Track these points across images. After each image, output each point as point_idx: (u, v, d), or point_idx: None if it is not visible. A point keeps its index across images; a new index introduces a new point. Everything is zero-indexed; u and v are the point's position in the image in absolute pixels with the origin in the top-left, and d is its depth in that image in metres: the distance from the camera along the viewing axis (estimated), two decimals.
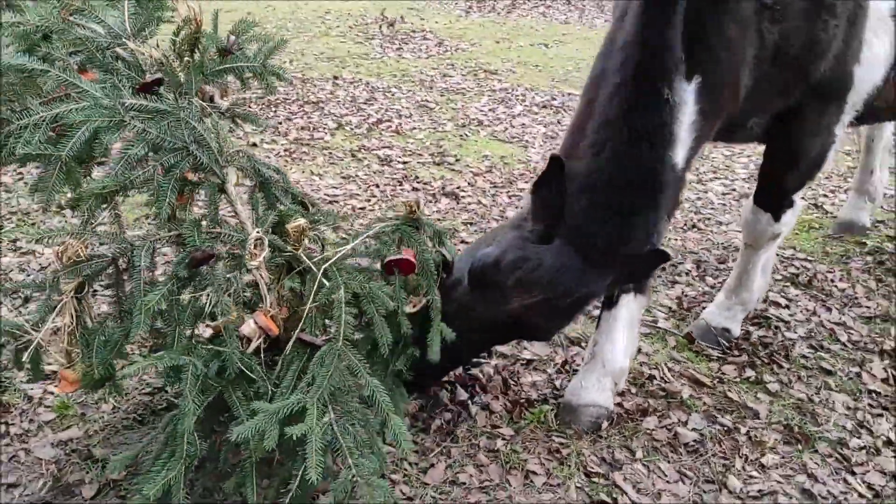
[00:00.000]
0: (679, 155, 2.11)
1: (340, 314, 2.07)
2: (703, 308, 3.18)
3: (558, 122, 5.59)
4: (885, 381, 2.88)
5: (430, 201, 4.24)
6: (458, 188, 4.41)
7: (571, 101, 6.03)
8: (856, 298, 3.40)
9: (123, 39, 2.23)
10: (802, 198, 2.99)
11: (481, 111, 5.76)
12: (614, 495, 2.31)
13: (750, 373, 2.89)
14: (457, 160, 4.82)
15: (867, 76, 2.47)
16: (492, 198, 4.33)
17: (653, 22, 1.98)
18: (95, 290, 2.59)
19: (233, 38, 2.40)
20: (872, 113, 2.78)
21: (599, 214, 2.06)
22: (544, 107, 5.92)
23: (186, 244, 2.08)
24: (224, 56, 2.39)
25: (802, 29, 2.25)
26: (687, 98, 2.07)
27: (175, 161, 2.10)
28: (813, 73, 2.39)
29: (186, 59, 2.28)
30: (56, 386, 2.12)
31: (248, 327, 2.14)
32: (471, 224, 3.99)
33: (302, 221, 2.22)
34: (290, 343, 2.07)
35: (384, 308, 2.16)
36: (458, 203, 4.24)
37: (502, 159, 4.88)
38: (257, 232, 2.18)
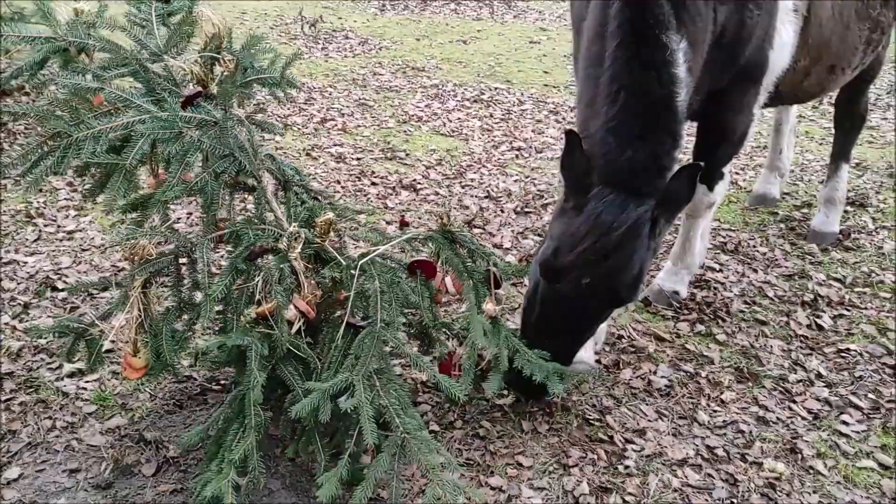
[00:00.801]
0: (683, 95, 2.36)
1: (377, 301, 2.33)
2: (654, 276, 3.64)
3: (490, 116, 5.98)
4: (808, 327, 3.42)
5: (391, 194, 4.54)
6: (414, 181, 4.73)
7: (499, 94, 6.44)
8: (776, 260, 3.95)
9: (160, 55, 2.43)
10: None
11: (418, 107, 6.07)
12: (609, 434, 2.72)
13: (700, 327, 3.37)
14: (407, 155, 5.13)
15: (779, 60, 2.91)
16: (447, 188, 4.67)
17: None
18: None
19: (251, 51, 2.64)
20: (778, 96, 3.23)
21: (625, 146, 2.28)
22: (475, 101, 6.29)
23: (241, 240, 2.33)
24: (239, 68, 2.63)
25: (736, 15, 2.64)
26: (680, 49, 2.33)
27: (224, 167, 2.34)
28: (741, 56, 2.78)
29: (217, 71, 2.50)
30: (122, 373, 2.30)
31: (290, 312, 2.40)
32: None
33: (331, 215, 2.49)
34: (342, 325, 2.33)
35: (406, 301, 2.44)
36: (417, 195, 4.56)
37: (448, 152, 5.22)
38: (294, 227, 2.44)
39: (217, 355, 2.47)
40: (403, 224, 2.85)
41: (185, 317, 2.40)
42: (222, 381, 2.84)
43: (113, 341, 2.29)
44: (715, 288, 3.69)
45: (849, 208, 4.37)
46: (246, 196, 3.11)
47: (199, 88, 2.42)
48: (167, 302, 2.46)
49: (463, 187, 4.71)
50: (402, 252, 2.65)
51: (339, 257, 2.49)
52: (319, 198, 2.76)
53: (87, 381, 2.80)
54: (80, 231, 3.88)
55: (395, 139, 5.39)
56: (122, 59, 2.39)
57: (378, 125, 5.65)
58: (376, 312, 2.33)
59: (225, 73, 2.50)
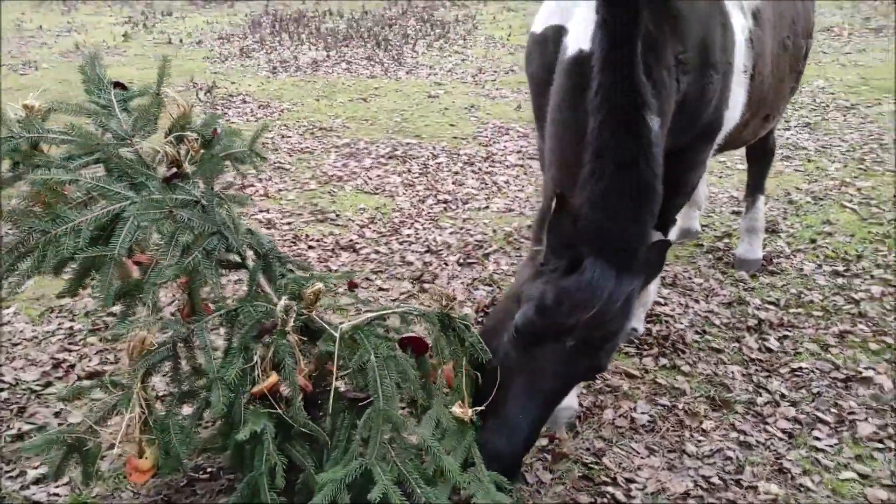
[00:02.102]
0: (661, 172, 2.44)
1: (376, 376, 2.24)
2: None
3: (409, 171, 6.02)
4: (759, 350, 3.60)
5: (331, 256, 4.46)
6: (351, 241, 4.67)
7: (412, 149, 6.50)
8: (713, 289, 4.16)
9: (127, 140, 2.32)
10: None
11: (335, 167, 6.03)
12: (611, 475, 2.74)
13: (664, 360, 3.49)
14: (337, 215, 5.06)
15: (732, 117, 3.09)
16: (386, 246, 4.64)
17: (623, 68, 2.28)
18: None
19: (218, 129, 2.57)
20: (720, 146, 3.46)
21: (618, 227, 2.33)
22: (391, 157, 6.32)
23: (239, 319, 2.22)
24: (208, 145, 2.55)
25: (698, 82, 2.82)
26: (655, 125, 2.39)
27: (214, 244, 2.23)
28: (701, 119, 2.93)
29: (185, 150, 2.40)
30: (129, 478, 2.11)
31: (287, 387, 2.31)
32: (381, 272, 4.28)
33: (320, 285, 2.42)
34: (348, 400, 2.24)
35: (405, 376, 2.34)
36: (358, 255, 4.50)
37: (378, 210, 5.20)
38: (285, 300, 2.35)
39: (214, 443, 2.33)
40: (353, 286, 2.77)
41: (187, 408, 2.25)
42: (209, 469, 2.65)
43: (112, 445, 2.09)
44: (666, 321, 3.83)
45: (764, 235, 4.67)
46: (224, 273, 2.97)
47: (175, 169, 2.32)
48: (163, 394, 2.29)
49: (401, 243, 4.69)
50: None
51: (327, 327, 2.42)
52: (294, 269, 2.69)
53: (57, 487, 2.54)
54: (7, 324, 3.56)
55: (322, 200, 5.32)
56: (89, 147, 2.27)
57: (300, 188, 5.56)
58: (378, 388, 2.23)
59: (201, 152, 2.42)
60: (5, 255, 2.03)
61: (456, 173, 5.99)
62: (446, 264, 4.42)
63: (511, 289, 2.74)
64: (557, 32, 2.73)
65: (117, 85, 2.64)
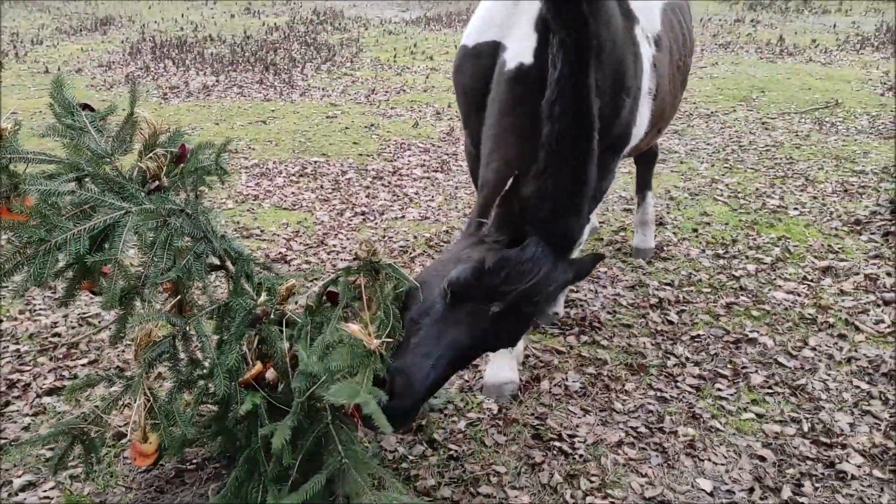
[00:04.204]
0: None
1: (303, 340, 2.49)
2: None
3: (321, 187, 6.27)
4: (663, 323, 4.13)
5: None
6: (280, 254, 4.88)
7: (321, 167, 6.75)
8: (617, 276, 4.69)
9: (108, 157, 2.51)
10: None
11: (249, 187, 6.20)
12: (556, 433, 3.14)
13: (585, 338, 3.94)
14: (262, 231, 5.26)
15: (638, 134, 3.44)
16: (315, 256, 4.89)
17: (581, 88, 2.53)
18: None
19: (188, 146, 2.79)
20: (624, 156, 3.87)
21: (561, 217, 2.59)
22: (301, 175, 6.55)
23: (232, 311, 2.45)
24: (178, 161, 2.77)
25: (611, 104, 3.04)
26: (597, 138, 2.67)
27: (202, 248, 2.47)
28: (613, 135, 3.18)
29: (159, 165, 2.61)
30: (133, 462, 2.27)
31: (271, 373, 2.56)
32: (316, 280, 4.51)
33: (293, 282, 2.69)
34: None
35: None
36: (290, 266, 4.73)
37: (300, 224, 5.43)
38: (264, 296, 2.62)
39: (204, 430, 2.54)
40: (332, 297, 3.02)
41: (186, 395, 2.46)
42: (194, 461, 2.84)
43: (116, 434, 2.27)
44: (581, 305, 4.30)
45: (654, 227, 5.27)
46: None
47: (157, 182, 2.54)
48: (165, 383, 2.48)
49: (329, 253, 4.95)
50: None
51: (298, 321, 2.69)
52: (266, 269, 2.93)
53: (44, 491, 2.66)
54: None
55: (243, 218, 5.49)
56: (72, 166, 2.45)
57: (218, 207, 5.70)
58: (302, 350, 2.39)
59: (179, 167, 2.64)
60: (4, 264, 2.17)
61: (367, 187, 6.30)
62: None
63: (447, 253, 2.88)
64: (493, 47, 3.02)
65: (85, 107, 2.79)
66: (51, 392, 3.36)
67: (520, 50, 2.87)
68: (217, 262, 2.69)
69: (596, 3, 2.80)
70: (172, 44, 12.88)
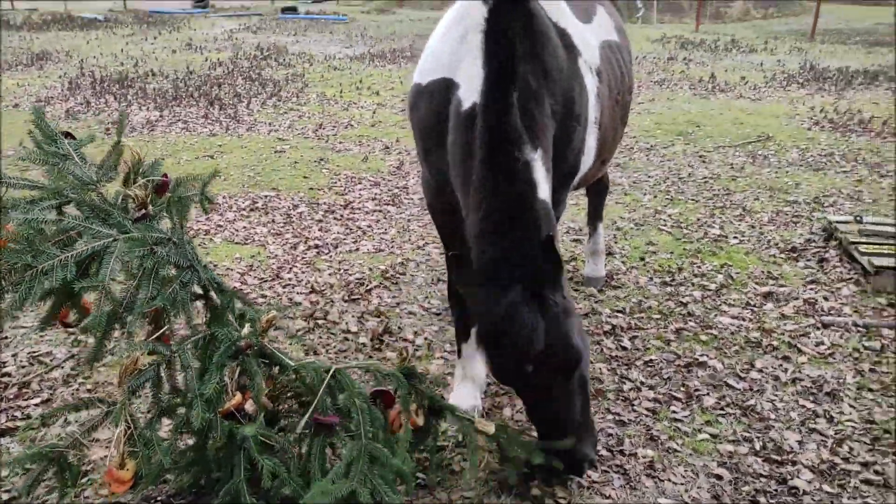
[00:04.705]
0: (544, 192, 2.80)
1: (359, 416, 2.49)
2: None
3: (273, 221, 6.26)
4: (617, 349, 4.24)
5: None
6: (235, 288, 4.85)
7: (272, 201, 6.74)
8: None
9: (94, 184, 2.49)
10: None
11: (199, 221, 6.14)
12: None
13: None
14: (215, 266, 5.21)
15: (587, 162, 3.54)
16: (270, 289, 4.87)
17: (497, 111, 2.67)
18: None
19: (170, 177, 2.79)
20: (574, 187, 3.97)
21: (496, 247, 2.67)
22: (252, 210, 6.53)
23: (217, 341, 2.45)
24: (159, 191, 2.77)
25: (564, 130, 3.17)
26: (535, 157, 2.76)
27: (189, 277, 2.47)
28: (566, 163, 3.30)
29: (146, 193, 2.61)
30: (109, 488, 2.23)
31: (251, 405, 2.57)
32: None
33: (274, 313, 2.72)
34: (318, 424, 2.50)
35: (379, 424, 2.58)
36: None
37: (253, 258, 5.41)
38: (247, 328, 2.63)
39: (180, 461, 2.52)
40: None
41: (166, 424, 2.43)
42: (159, 498, 2.79)
43: (99, 459, 2.23)
44: None
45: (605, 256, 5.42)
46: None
47: (143, 210, 2.53)
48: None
49: (284, 286, 4.94)
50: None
51: (276, 353, 2.71)
52: (245, 301, 2.93)
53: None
54: None
55: None
56: (54, 192, 2.43)
57: None
58: (361, 425, 2.49)
59: (167, 195, 2.64)
60: None
61: (319, 221, 6.31)
62: (333, 302, 4.73)
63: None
64: (445, 84, 3.07)
65: (67, 135, 2.78)
66: (2, 433, 3.25)
67: (472, 89, 2.88)
68: (200, 291, 2.68)
69: (540, 34, 2.94)
70: (113, 79, 12.70)
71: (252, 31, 21.30)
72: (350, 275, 5.17)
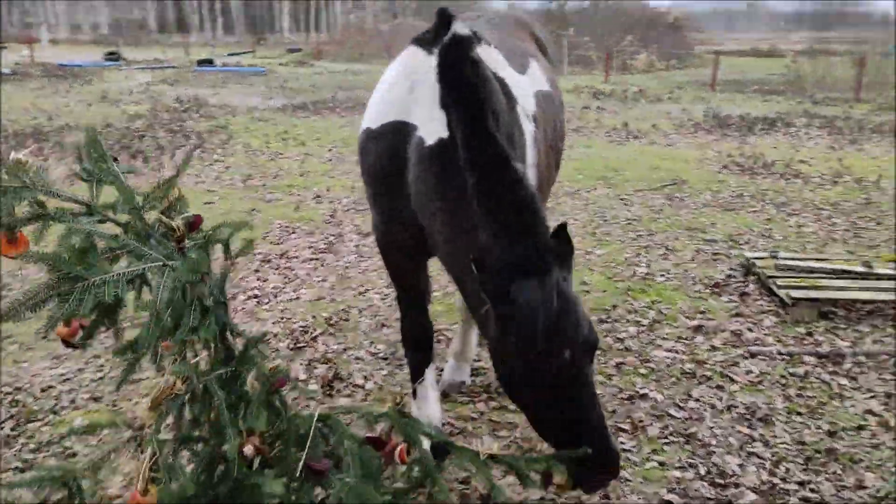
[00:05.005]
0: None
1: (349, 461, 2.48)
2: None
3: None
4: None
5: None
6: None
7: None
8: None
9: (139, 210, 2.51)
10: None
11: None
12: (480, 495, 3.25)
13: (493, 403, 4.11)
14: None
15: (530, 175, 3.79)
16: None
17: (484, 132, 2.80)
18: None
19: (199, 214, 2.79)
20: None
21: (522, 237, 2.66)
22: None
23: (240, 369, 2.46)
24: (191, 228, 2.77)
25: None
26: (525, 171, 2.86)
27: (221, 313, 2.50)
28: None
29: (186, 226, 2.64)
30: None
31: (249, 449, 2.57)
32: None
33: (278, 362, 2.73)
34: (311, 469, 2.51)
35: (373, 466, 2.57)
36: None
37: None
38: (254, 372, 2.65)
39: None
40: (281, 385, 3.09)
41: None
42: None
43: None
44: (485, 373, 4.48)
45: None
46: None
47: (182, 243, 2.56)
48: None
49: None
50: None
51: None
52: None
53: None
54: None
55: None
56: (102, 209, 2.45)
57: None
58: (353, 469, 2.51)
59: (205, 233, 2.67)
60: (34, 297, 2.13)
61: (256, 271, 6.28)
62: (279, 350, 4.71)
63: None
64: (401, 126, 3.19)
65: (114, 160, 2.78)
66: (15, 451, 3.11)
67: (434, 128, 3.04)
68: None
69: (486, 79, 3.11)
70: (27, 133, 12.33)
71: (169, 84, 21.10)
72: (294, 323, 5.16)
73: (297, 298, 5.66)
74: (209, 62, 29.15)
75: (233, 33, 65.42)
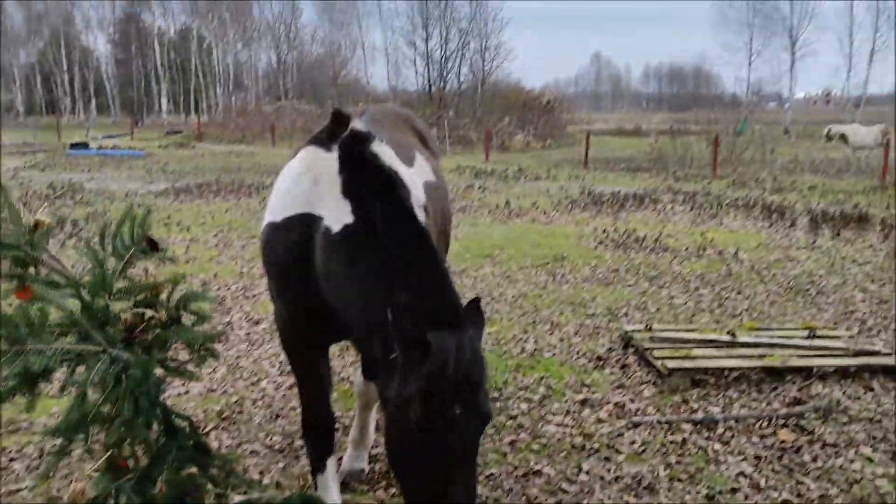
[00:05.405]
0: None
1: None
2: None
3: None
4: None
5: None
6: None
7: None
8: None
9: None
10: None
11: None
12: None
13: (392, 490, 4.14)
14: (30, 424, 4.86)
15: None
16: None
17: (402, 211, 3.02)
18: None
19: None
20: None
21: (439, 298, 2.80)
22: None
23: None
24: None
25: None
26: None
27: (158, 412, 2.47)
28: None
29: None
30: None
31: None
32: None
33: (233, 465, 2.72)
34: None
35: None
36: None
37: None
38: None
39: None
40: None
41: None
42: None
43: None
44: (382, 459, 4.51)
45: None
46: None
47: (133, 335, 2.54)
48: None
49: None
50: None
51: None
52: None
53: None
54: None
55: (7, 413, 5.03)
56: (77, 285, 2.41)
57: None
58: None
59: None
60: None
61: None
62: None
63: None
64: (304, 219, 3.30)
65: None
66: None
67: (340, 215, 3.17)
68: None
69: (386, 170, 3.29)
70: None
71: (40, 170, 20.30)
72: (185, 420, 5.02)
73: (188, 392, 5.52)
74: (84, 145, 28.25)
75: (109, 115, 63.78)
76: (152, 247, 2.88)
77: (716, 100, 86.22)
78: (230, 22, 64.85)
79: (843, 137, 25.78)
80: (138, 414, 2.42)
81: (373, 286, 3.09)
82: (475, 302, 2.92)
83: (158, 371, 2.65)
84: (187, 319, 2.89)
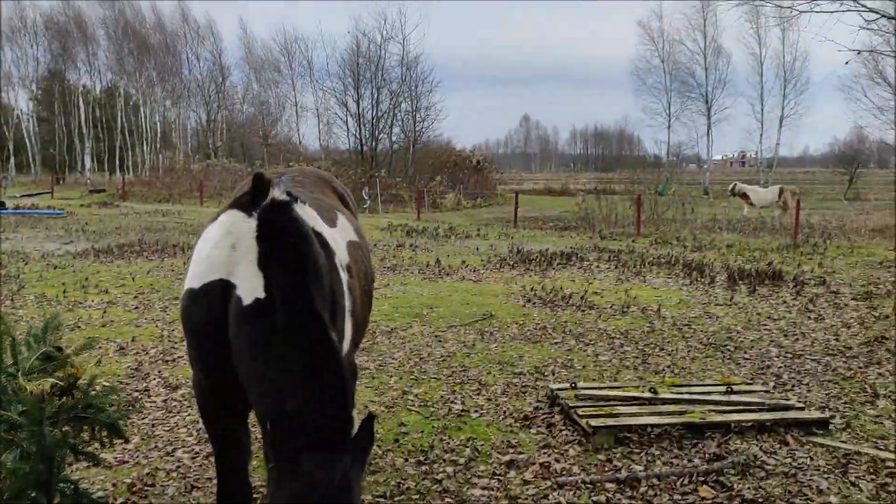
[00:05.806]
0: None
1: None
2: None
3: None
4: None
5: None
6: None
7: None
8: None
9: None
10: None
11: None
12: None
13: None
14: None
15: (345, 347, 3.73)
16: None
17: (299, 292, 2.99)
18: None
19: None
20: None
21: (325, 414, 2.79)
22: None
23: None
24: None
25: (332, 319, 3.38)
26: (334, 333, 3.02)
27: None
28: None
29: None
30: None
31: None
32: None
33: None
34: None
35: None
36: None
37: None
38: None
39: None
40: None
41: None
42: None
43: None
44: None
45: None
46: None
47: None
48: None
49: None
50: None
51: None
52: None
53: None
54: None
55: None
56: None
57: None
58: None
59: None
60: None
61: None
62: None
63: None
64: (221, 285, 3.23)
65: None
66: None
67: (252, 287, 3.11)
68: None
69: (306, 234, 3.27)
70: None
71: None
72: (93, 494, 4.76)
73: (97, 465, 5.24)
74: (0, 204, 27.22)
75: (29, 173, 61.83)
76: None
77: (639, 161, 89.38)
78: (157, 80, 64.24)
79: (745, 196, 28.62)
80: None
81: (267, 381, 3.03)
82: (368, 421, 2.87)
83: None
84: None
